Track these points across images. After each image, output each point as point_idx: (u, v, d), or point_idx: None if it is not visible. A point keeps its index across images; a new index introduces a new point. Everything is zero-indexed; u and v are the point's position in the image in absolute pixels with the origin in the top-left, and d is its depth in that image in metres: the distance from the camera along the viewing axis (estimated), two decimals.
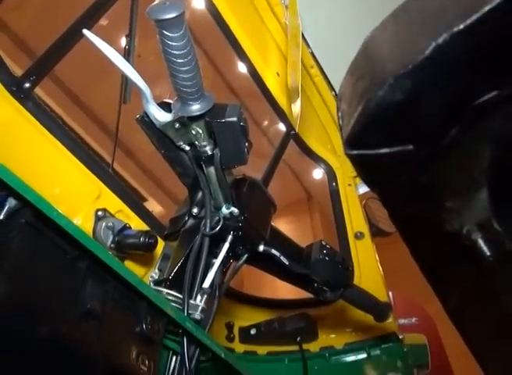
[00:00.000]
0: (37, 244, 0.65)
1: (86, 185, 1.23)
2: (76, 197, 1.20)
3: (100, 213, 1.23)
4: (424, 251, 0.48)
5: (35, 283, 0.62)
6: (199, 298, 0.94)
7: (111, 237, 1.20)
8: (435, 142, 0.39)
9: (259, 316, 1.58)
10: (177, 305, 0.89)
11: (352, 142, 0.40)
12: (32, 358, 0.60)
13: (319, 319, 1.56)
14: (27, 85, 1.18)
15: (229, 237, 1.00)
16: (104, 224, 1.21)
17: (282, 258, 1.09)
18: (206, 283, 0.95)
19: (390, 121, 0.39)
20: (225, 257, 1.00)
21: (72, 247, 0.69)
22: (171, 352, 0.89)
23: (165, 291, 0.93)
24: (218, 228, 0.98)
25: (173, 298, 0.91)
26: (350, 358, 1.53)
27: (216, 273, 0.98)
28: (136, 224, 1.29)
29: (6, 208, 0.63)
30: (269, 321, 1.56)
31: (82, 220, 1.17)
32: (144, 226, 1.30)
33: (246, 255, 1.06)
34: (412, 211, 0.45)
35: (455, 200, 0.44)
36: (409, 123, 0.39)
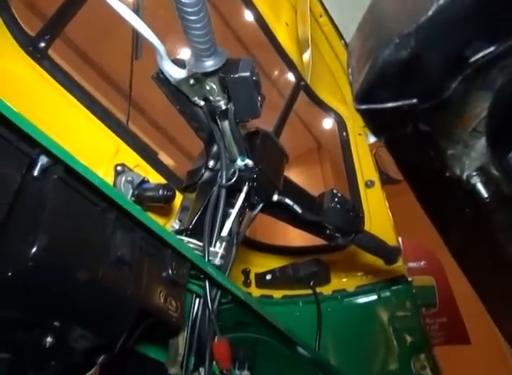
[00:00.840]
0: (69, 198, 0.70)
1: (104, 141, 1.28)
2: (95, 153, 1.25)
3: (119, 168, 1.28)
4: (428, 196, 0.52)
5: (72, 234, 0.67)
6: (218, 245, 1.00)
7: (131, 191, 1.26)
8: (437, 96, 0.42)
9: (274, 263, 1.66)
10: (198, 252, 0.96)
11: (361, 98, 0.44)
12: (74, 301, 0.66)
13: (331, 263, 1.63)
14: (42, 44, 1.20)
15: (245, 188, 1.05)
16: (123, 178, 1.26)
17: (295, 206, 1.14)
18: (224, 232, 1.01)
19: (396, 78, 0.42)
20: (241, 207, 1.06)
21: (101, 199, 0.74)
22: (194, 295, 0.96)
23: (186, 239, 0.99)
24: (233, 180, 1.03)
25: (194, 246, 0.98)
26: (361, 300, 1.61)
27: (233, 222, 1.03)
28: (154, 178, 1.34)
29: (39, 165, 0.68)
30: (284, 267, 1.64)
31: (102, 175, 1.23)
32: (161, 180, 1.36)
33: (261, 205, 1.11)
34: (416, 159, 0.48)
35: (455, 148, 0.47)
36: (413, 79, 0.42)
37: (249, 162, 1.03)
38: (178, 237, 0.98)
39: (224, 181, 1.03)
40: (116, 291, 0.71)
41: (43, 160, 0.68)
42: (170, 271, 0.83)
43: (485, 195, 0.47)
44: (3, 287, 0.60)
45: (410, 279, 1.63)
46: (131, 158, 1.31)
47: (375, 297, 1.60)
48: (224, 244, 1.00)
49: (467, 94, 0.43)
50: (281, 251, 1.70)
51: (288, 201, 1.14)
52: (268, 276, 1.63)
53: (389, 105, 0.43)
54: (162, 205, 1.25)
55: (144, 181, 1.27)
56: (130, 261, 0.74)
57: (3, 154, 0.62)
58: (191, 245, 0.97)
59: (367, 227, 1.32)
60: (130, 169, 1.30)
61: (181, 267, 0.86)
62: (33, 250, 0.61)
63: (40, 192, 0.67)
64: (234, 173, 1.04)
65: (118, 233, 0.75)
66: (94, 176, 0.72)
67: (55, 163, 0.69)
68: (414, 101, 0.42)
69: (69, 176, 0.70)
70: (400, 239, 1.68)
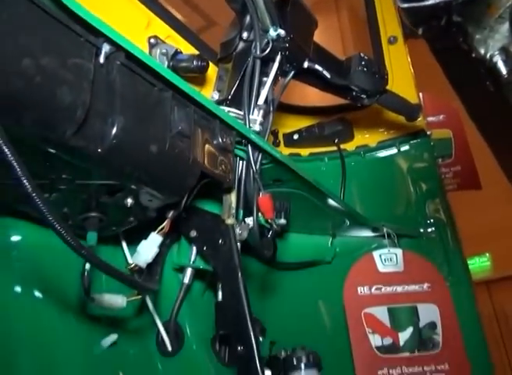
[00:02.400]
0: (132, 81, 0.79)
1: (135, 14, 1.31)
2: (128, 27, 1.29)
3: (152, 41, 1.33)
4: (455, 72, 0.59)
5: (141, 114, 0.78)
6: (256, 112, 1.10)
7: (166, 63, 1.32)
8: None
9: (300, 123, 1.76)
10: (240, 121, 1.06)
11: None
12: (149, 169, 0.79)
13: (355, 121, 1.73)
14: None
15: (278, 58, 1.12)
16: (158, 51, 1.32)
17: (324, 72, 1.21)
18: (261, 100, 1.11)
19: None
20: (274, 76, 1.13)
21: (157, 80, 0.83)
22: (238, 159, 1.08)
23: (227, 109, 1.09)
24: (267, 50, 1.09)
25: (235, 115, 1.08)
26: (382, 153, 1.72)
27: (269, 90, 1.12)
28: (186, 48, 1.39)
29: (103, 52, 0.76)
30: (310, 126, 1.74)
31: None
32: (193, 50, 1.41)
33: (292, 72, 1.18)
34: (447, 42, 0.55)
35: (482, 32, 0.54)
36: None
37: (281, 31, 1.08)
38: (221, 107, 1.08)
39: (258, 52, 1.09)
40: (181, 159, 0.84)
41: (106, 48, 0.76)
42: (220, 139, 0.95)
43: (504, 71, 0.54)
44: (95, 162, 0.73)
45: (428, 132, 1.73)
46: (162, 30, 1.35)
47: (395, 150, 1.71)
48: (261, 111, 1.10)
49: None
50: (307, 112, 1.79)
51: (318, 67, 1.20)
52: (296, 136, 1.75)
53: (429, 2, 0.48)
54: (197, 75, 1.32)
55: (177, 52, 1.32)
56: (188, 133, 0.86)
57: (77, 47, 0.69)
58: (233, 114, 1.07)
59: (389, 85, 1.38)
60: (163, 41, 1.35)
61: (228, 135, 0.98)
62: (114, 130, 0.73)
63: (108, 78, 0.76)
64: (268, 43, 1.09)
65: (175, 110, 0.85)
66: (149, 59, 0.81)
67: (116, 50, 0.77)
68: None
69: (130, 61, 0.78)
70: (420, 95, 1.74)
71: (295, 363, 0.95)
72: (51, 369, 0.83)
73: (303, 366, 0.94)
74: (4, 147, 0.56)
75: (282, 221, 1.27)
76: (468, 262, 1.78)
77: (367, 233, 1.58)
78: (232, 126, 0.97)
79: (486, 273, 3.57)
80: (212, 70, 1.33)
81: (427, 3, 0.47)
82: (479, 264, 3.70)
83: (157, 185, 0.83)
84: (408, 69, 1.73)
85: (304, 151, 1.75)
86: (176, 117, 0.85)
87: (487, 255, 3.63)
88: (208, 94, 1.25)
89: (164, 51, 1.31)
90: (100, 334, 0.89)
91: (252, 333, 0.84)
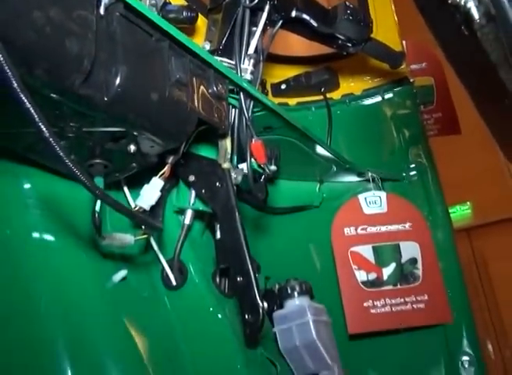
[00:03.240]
0: (132, 32, 0.83)
1: None
2: None
3: None
4: (434, 19, 0.64)
5: (141, 63, 0.82)
6: (247, 62, 1.15)
7: (155, 14, 1.34)
8: None
9: (288, 73, 1.80)
10: (232, 70, 1.11)
11: None
12: (150, 116, 0.85)
13: (340, 70, 1.78)
14: None
15: (267, 7, 1.15)
16: (148, 1, 1.33)
17: (311, 21, 1.25)
18: (251, 50, 1.15)
19: None
20: (263, 25, 1.17)
21: (155, 30, 0.87)
22: (231, 107, 1.14)
23: (219, 58, 1.13)
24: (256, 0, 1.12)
25: (227, 64, 1.13)
26: (367, 101, 1.78)
27: (258, 39, 1.16)
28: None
29: (103, 4, 0.80)
30: (297, 76, 1.79)
31: None
32: (182, 1, 1.42)
33: (280, 22, 1.22)
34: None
35: None
36: None
37: None
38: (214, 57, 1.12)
39: (248, 1, 1.13)
40: (179, 106, 0.89)
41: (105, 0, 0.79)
42: (215, 88, 1.00)
43: (477, 16, 0.60)
44: (101, 110, 0.78)
45: (411, 80, 1.79)
46: None
47: (379, 98, 1.77)
48: (252, 60, 1.15)
49: None
50: (294, 61, 1.82)
51: (305, 16, 1.24)
52: (283, 86, 1.79)
53: None
54: (186, 25, 1.35)
55: (166, 3, 1.34)
56: (186, 82, 0.91)
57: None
58: (225, 64, 1.12)
59: (374, 33, 1.43)
60: None
61: (221, 84, 1.03)
62: (118, 79, 0.78)
63: (108, 29, 0.80)
64: None
65: (172, 60, 0.90)
66: (147, 9, 0.85)
67: (114, 2, 0.80)
68: None
69: (128, 12, 0.82)
70: (404, 42, 1.79)
71: (289, 292, 1.04)
72: (69, 304, 0.91)
73: (296, 294, 1.03)
74: (21, 94, 0.61)
75: (273, 167, 1.34)
76: (450, 210, 1.89)
77: (352, 178, 1.66)
78: (225, 75, 1.02)
79: (467, 221, 3.70)
80: (201, 21, 1.36)
81: None
82: (460, 212, 3.82)
83: (158, 131, 0.89)
84: (392, 18, 1.76)
85: (292, 101, 1.80)
86: (174, 66, 0.89)
87: (468, 203, 3.75)
88: (199, 44, 1.29)
89: (153, 1, 1.33)
90: (110, 271, 0.96)
91: (250, 264, 0.93)
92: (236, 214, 0.99)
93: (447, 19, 0.63)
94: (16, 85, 0.59)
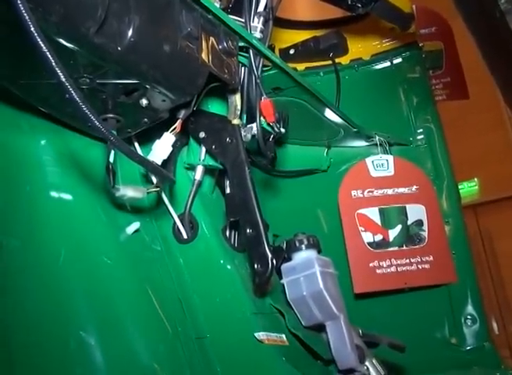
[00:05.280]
0: None
1: None
2: None
3: None
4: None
5: (153, 14, 0.83)
6: (256, 20, 1.15)
7: None
8: None
9: (296, 38, 1.80)
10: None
11: None
12: (162, 69, 0.86)
13: (349, 35, 1.77)
14: None
15: None
16: None
17: None
18: (260, 7, 1.15)
19: None
20: None
21: None
22: (241, 65, 1.14)
23: (231, 16, 1.13)
24: None
25: (238, 22, 1.13)
26: (376, 67, 1.78)
27: None
28: None
29: None
30: (305, 41, 1.78)
31: None
32: None
33: None
34: None
35: None
36: None
37: None
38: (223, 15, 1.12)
39: None
40: (191, 59, 0.90)
41: None
42: (225, 44, 1.01)
43: None
44: (114, 60, 0.80)
45: (420, 45, 1.78)
46: None
47: (388, 63, 1.77)
48: (261, 19, 1.15)
49: None
50: (302, 26, 1.82)
51: None
52: (292, 51, 1.79)
53: None
54: None
55: None
56: (197, 35, 0.91)
57: None
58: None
59: None
60: None
61: (232, 40, 1.03)
62: (131, 29, 0.79)
63: None
64: None
65: (183, 13, 0.90)
66: None
67: None
68: None
69: None
70: (414, 6, 1.77)
71: (297, 245, 1.06)
72: (87, 257, 0.95)
73: (304, 247, 1.06)
74: (38, 38, 0.62)
75: (282, 130, 1.35)
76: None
77: (360, 143, 1.67)
78: (235, 31, 1.02)
79: (474, 197, 3.71)
80: None
81: None
82: (467, 189, 3.82)
83: (169, 84, 0.90)
84: None
85: (301, 66, 1.80)
86: (185, 19, 0.90)
87: (475, 179, 3.76)
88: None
89: None
90: (124, 223, 0.99)
91: (259, 216, 0.95)
92: (246, 168, 1.01)
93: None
94: (32, 29, 0.61)
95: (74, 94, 0.67)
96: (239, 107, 1.09)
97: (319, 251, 1.09)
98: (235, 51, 1.04)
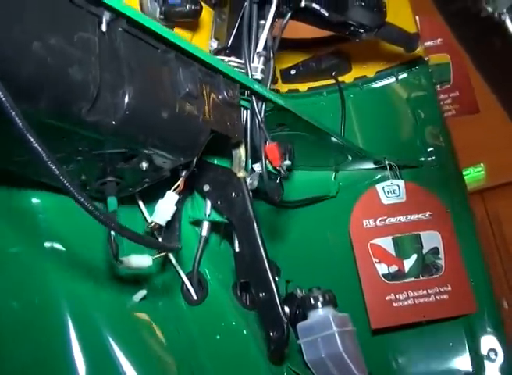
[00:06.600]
0: (136, 46, 0.78)
1: None
2: None
3: None
4: (464, 32, 0.59)
5: (148, 79, 0.78)
6: (256, 60, 1.09)
7: (158, 9, 1.28)
8: None
9: (297, 58, 1.74)
10: (241, 70, 1.06)
11: None
12: (161, 133, 0.81)
13: (352, 53, 1.71)
14: None
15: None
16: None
17: (321, 10, 1.18)
18: (260, 47, 1.09)
19: None
20: (272, 18, 1.11)
21: (160, 42, 0.82)
22: (242, 109, 1.09)
23: (227, 58, 1.08)
24: None
25: (236, 64, 1.07)
26: (381, 83, 1.71)
27: (267, 35, 1.10)
28: None
29: (104, 20, 0.74)
30: (306, 60, 1.72)
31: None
32: None
33: (290, 13, 1.15)
34: (459, 5, 0.54)
35: None
36: None
37: None
38: (220, 57, 1.06)
39: None
40: (191, 120, 0.85)
41: (106, 15, 0.74)
42: (225, 94, 0.95)
43: None
44: (110, 134, 0.74)
45: (426, 58, 1.71)
46: None
47: (393, 80, 1.70)
48: (262, 58, 1.09)
49: None
50: (303, 45, 1.75)
51: (314, 5, 1.17)
52: (293, 71, 1.73)
53: None
54: (190, 19, 1.28)
55: None
56: (196, 94, 0.86)
57: (80, 19, 0.68)
58: (234, 64, 1.06)
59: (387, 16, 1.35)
60: None
61: (232, 89, 0.98)
62: (126, 101, 0.73)
63: (112, 47, 0.75)
64: None
65: (180, 71, 0.85)
66: (150, 21, 0.79)
67: (116, 17, 0.75)
68: None
69: (131, 27, 0.77)
70: (417, 19, 1.70)
71: (312, 303, 1.01)
72: (93, 328, 0.90)
73: (320, 304, 1.01)
74: (27, 134, 0.57)
75: (288, 162, 1.29)
76: (463, 173, 1.83)
77: (369, 165, 1.62)
78: (235, 79, 0.97)
79: (481, 183, 3.67)
80: (206, 12, 1.29)
81: None
82: (474, 174, 3.78)
83: (170, 148, 0.85)
84: None
85: (303, 87, 1.74)
86: (182, 78, 0.84)
87: (481, 165, 3.71)
88: (205, 40, 1.23)
89: None
90: (129, 291, 0.94)
91: (272, 281, 0.90)
92: (255, 225, 0.96)
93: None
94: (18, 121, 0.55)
95: (66, 184, 0.62)
96: (243, 158, 1.03)
97: (335, 306, 1.04)
98: (236, 101, 0.99)
